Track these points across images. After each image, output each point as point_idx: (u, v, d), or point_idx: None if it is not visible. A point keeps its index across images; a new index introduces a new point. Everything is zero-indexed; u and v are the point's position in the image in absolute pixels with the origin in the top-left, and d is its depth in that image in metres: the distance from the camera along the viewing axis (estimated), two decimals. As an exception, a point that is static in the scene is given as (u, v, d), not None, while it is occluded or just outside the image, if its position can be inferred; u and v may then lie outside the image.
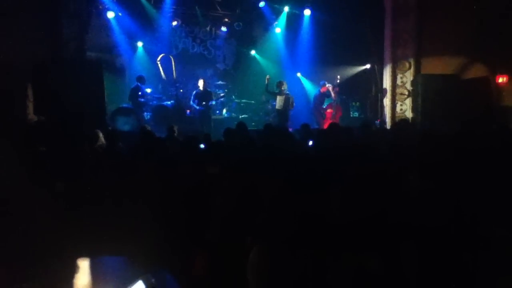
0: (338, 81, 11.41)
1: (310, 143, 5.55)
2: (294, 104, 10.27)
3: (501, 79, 9.30)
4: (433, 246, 1.98)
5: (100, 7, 10.86)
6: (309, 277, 2.02)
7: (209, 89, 10.71)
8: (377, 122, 9.83)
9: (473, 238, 2.06)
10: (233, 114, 12.09)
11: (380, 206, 2.10)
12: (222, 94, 11.62)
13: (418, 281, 1.97)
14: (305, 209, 2.21)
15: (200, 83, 10.35)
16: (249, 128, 7.03)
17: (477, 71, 9.50)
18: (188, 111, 11.18)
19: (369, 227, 2.02)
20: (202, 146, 4.97)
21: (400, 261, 1.95)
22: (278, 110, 10.30)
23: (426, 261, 1.95)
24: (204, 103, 10.10)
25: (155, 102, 11.10)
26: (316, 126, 10.45)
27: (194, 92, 10.38)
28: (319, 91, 11.13)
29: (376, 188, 2.20)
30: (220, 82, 12.61)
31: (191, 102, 10.32)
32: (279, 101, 10.20)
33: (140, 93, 10.17)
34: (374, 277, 1.94)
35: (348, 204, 2.17)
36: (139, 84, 10.27)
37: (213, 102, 10.61)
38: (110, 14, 11.02)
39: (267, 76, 10.40)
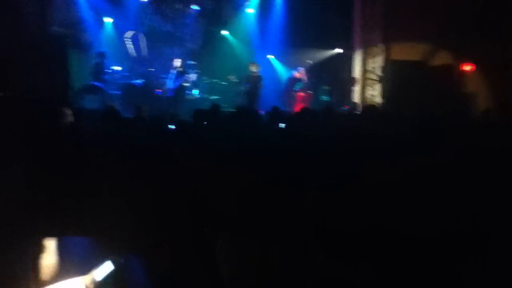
0: (309, 65, 11.46)
1: (281, 125, 5.58)
2: (262, 84, 10.29)
3: (466, 67, 9.57)
4: (408, 240, 2.02)
5: (66, -21, 10.46)
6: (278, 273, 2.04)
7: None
8: (345, 108, 9.95)
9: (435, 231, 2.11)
10: (204, 94, 11.97)
11: (350, 194, 2.13)
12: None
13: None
14: (274, 199, 2.23)
15: (177, 63, 10.24)
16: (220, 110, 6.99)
17: (443, 58, 9.72)
18: (158, 90, 11.00)
19: (338, 220, 2.05)
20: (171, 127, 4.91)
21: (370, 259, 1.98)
22: (247, 91, 10.30)
23: (400, 258, 1.99)
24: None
25: (122, 80, 10.84)
26: (287, 109, 10.50)
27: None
28: (293, 75, 11.17)
29: (347, 176, 2.23)
30: (191, 62, 12.41)
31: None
32: (249, 82, 10.21)
33: (103, 69, 9.92)
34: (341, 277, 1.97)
35: (319, 193, 2.19)
36: (99, 60, 10.00)
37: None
38: (76, -12, 10.64)
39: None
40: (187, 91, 11.21)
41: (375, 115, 5.82)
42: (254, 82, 10.14)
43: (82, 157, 3.37)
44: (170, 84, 10.05)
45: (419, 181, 2.37)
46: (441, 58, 9.69)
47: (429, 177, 2.39)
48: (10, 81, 7.22)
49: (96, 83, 9.73)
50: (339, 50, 11.73)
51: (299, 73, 11.03)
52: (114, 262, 1.81)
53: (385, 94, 9.83)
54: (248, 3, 12.71)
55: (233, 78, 11.99)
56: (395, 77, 9.47)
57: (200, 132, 4.84)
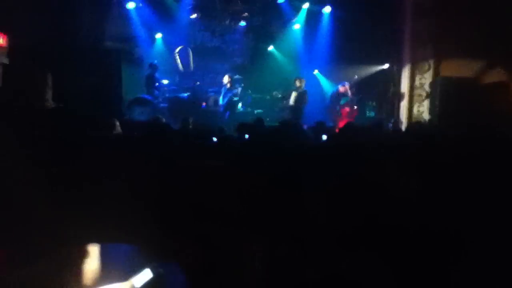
0: (355, 79, 11.34)
1: (324, 137, 5.56)
2: (307, 100, 10.28)
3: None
4: (436, 251, 1.97)
5: (121, -3, 10.98)
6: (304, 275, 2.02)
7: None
8: (390, 124, 9.75)
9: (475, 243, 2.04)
10: (248, 108, 12.11)
11: (382, 207, 2.09)
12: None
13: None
14: (311, 207, 2.22)
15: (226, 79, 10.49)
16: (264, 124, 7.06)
17: (496, 75, 9.34)
18: (204, 103, 11.25)
19: (367, 231, 2.02)
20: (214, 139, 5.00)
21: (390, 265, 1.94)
22: (291, 106, 10.31)
23: (422, 268, 1.94)
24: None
25: (171, 94, 11.18)
26: (331, 124, 10.42)
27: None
28: (337, 89, 11.09)
29: (384, 189, 2.19)
30: (237, 76, 12.62)
31: None
32: (293, 97, 10.23)
33: (157, 83, 10.27)
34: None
35: (351, 204, 2.17)
36: (151, 71, 10.37)
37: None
38: (131, 5, 11.11)
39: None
40: (233, 106, 11.41)
41: (422, 131, 5.67)
42: (299, 97, 10.15)
43: (128, 166, 3.49)
44: (218, 99, 10.31)
45: (461, 198, 2.29)
46: (494, 75, 9.32)
47: (472, 196, 2.31)
48: (64, 92, 7.60)
49: (146, 96, 10.08)
50: (386, 66, 11.54)
51: (344, 87, 10.93)
52: (152, 270, 1.85)
53: (433, 110, 9.55)
54: (295, 19, 12.80)
55: (278, 93, 12.05)
56: (445, 93, 9.19)
57: (243, 145, 4.90)
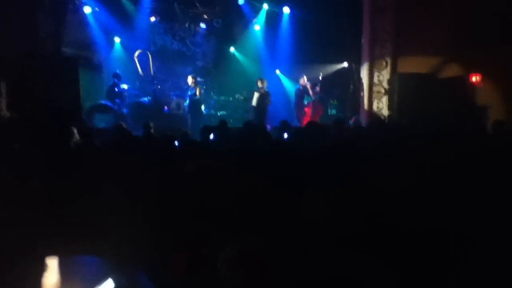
0: (320, 78, 11.46)
1: (285, 135, 5.60)
2: (270, 100, 10.34)
3: (474, 78, 9.51)
4: (414, 250, 2.00)
5: (77, 2, 10.70)
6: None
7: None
8: (351, 122, 9.94)
9: (453, 239, 2.10)
10: (211, 111, 12.06)
11: (356, 206, 2.13)
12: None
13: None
14: (280, 210, 2.23)
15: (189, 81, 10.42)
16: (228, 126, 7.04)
17: (451, 70, 9.68)
18: (166, 107, 11.13)
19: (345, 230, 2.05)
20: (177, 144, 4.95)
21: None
22: (254, 107, 10.34)
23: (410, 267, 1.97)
24: None
25: (132, 99, 11.00)
26: (297, 123, 10.50)
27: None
28: (300, 85, 11.16)
29: (354, 189, 2.23)
30: (199, 79, 12.55)
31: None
32: (256, 98, 10.26)
33: (116, 89, 10.09)
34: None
35: (324, 206, 2.19)
36: (115, 80, 10.20)
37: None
38: (87, 9, 10.87)
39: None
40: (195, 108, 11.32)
41: (381, 127, 5.81)
42: (262, 97, 10.20)
43: (91, 173, 3.41)
44: (181, 102, 10.23)
45: (423, 190, 2.36)
46: (450, 70, 9.66)
47: (434, 186, 2.39)
48: (23, 101, 7.36)
49: (106, 102, 9.88)
50: (346, 64, 11.77)
51: (302, 78, 10.99)
52: (115, 281, 1.82)
53: (391, 106, 9.81)
54: (255, 20, 12.86)
55: (241, 96, 12.06)
56: (403, 89, 9.45)
57: (207, 147, 4.88)
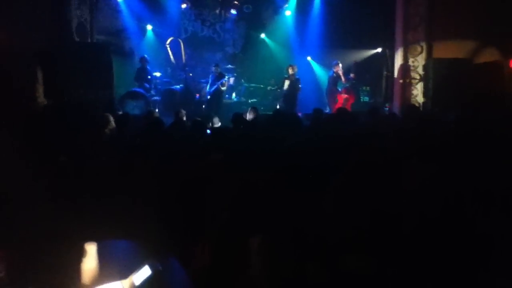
0: (353, 65, 11.24)
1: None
2: (300, 87, 10.21)
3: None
4: (435, 240, 1.97)
5: (110, -11, 10.84)
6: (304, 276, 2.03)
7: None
8: (386, 108, 9.74)
9: (473, 232, 2.04)
10: (242, 98, 12.05)
11: (384, 198, 2.09)
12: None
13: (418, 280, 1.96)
14: (307, 201, 2.21)
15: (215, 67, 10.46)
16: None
17: (489, 55, 9.32)
18: (197, 95, 11.18)
19: (370, 223, 2.02)
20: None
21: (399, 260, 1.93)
22: (285, 94, 10.24)
23: (426, 259, 1.94)
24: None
25: (164, 86, 11.10)
26: (329, 110, 10.35)
27: None
28: (333, 72, 10.95)
29: (382, 178, 2.19)
30: (229, 66, 12.53)
31: None
32: (286, 85, 10.17)
33: (145, 74, 10.22)
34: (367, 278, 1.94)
35: (350, 196, 2.16)
36: (143, 64, 10.34)
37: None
38: (119, -3, 10.99)
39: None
40: (226, 95, 11.33)
41: (416, 115, 5.66)
42: (292, 84, 10.10)
43: (123, 161, 3.48)
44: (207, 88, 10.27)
45: (456, 178, 2.29)
46: (487, 55, 9.30)
47: (467, 175, 2.32)
48: (57, 88, 7.54)
49: (138, 89, 10.00)
50: (379, 49, 11.48)
51: (337, 66, 10.76)
52: (151, 267, 1.85)
53: (427, 93, 9.53)
54: (286, 5, 12.69)
55: (272, 86, 11.94)
56: (438, 75, 9.16)
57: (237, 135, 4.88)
